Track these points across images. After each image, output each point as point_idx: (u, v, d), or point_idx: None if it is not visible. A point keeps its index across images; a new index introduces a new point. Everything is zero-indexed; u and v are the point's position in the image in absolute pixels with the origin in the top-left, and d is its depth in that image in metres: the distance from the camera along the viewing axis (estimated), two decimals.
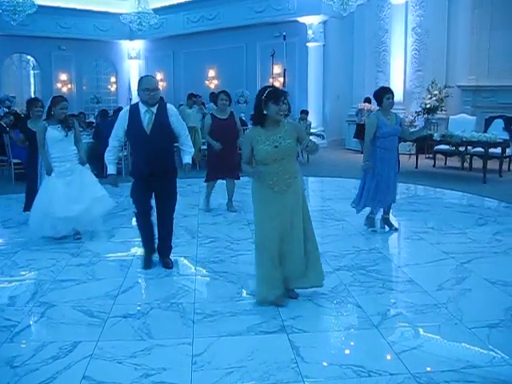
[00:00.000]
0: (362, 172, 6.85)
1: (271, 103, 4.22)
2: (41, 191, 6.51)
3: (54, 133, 6.37)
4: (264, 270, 4.50)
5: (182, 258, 5.98)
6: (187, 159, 5.53)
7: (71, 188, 6.41)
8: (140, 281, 5.29)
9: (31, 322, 4.31)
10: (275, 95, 4.25)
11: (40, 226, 6.40)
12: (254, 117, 4.42)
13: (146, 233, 5.62)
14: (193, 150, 5.63)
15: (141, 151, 5.30)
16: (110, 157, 5.40)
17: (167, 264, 5.62)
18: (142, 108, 5.23)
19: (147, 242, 5.65)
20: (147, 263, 5.61)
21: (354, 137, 15.54)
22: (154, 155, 5.22)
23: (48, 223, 6.36)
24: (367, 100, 15.01)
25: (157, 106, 5.27)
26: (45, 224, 6.37)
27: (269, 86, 4.48)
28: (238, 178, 8.15)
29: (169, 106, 5.43)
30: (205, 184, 8.36)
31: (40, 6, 15.95)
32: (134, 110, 5.27)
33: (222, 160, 7.88)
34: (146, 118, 5.21)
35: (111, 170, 5.41)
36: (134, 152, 5.57)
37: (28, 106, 7.86)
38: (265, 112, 4.27)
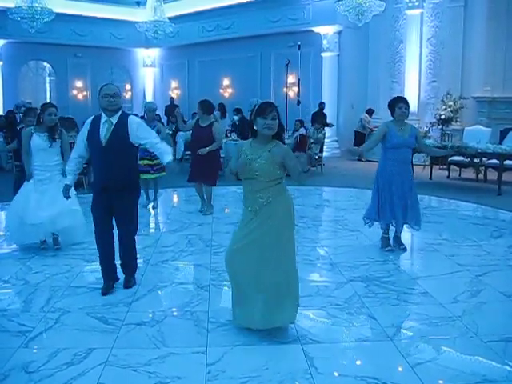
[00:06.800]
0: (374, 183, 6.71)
1: (259, 118, 4.06)
2: (16, 198, 6.54)
3: (38, 141, 6.29)
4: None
5: (195, 267, 5.99)
6: (166, 159, 5.07)
7: (44, 196, 6.35)
8: (154, 288, 5.29)
9: (46, 328, 4.32)
10: (262, 109, 4.06)
11: (21, 233, 6.39)
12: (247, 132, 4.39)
13: (103, 255, 5.20)
14: (170, 148, 5.20)
15: (97, 163, 5.07)
16: (69, 167, 5.21)
17: (127, 283, 5.27)
18: (103, 118, 4.97)
19: (105, 265, 5.21)
20: (106, 288, 5.14)
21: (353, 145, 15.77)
22: (110, 168, 4.90)
23: (24, 230, 6.34)
24: (368, 111, 16.24)
25: (118, 116, 4.97)
26: (23, 231, 6.35)
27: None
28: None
29: (130, 117, 5.12)
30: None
31: (57, 14, 16.06)
32: (96, 119, 5.03)
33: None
34: (104, 128, 4.93)
35: (67, 180, 5.25)
36: (92, 164, 5.21)
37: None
38: (255, 127, 4.12)
